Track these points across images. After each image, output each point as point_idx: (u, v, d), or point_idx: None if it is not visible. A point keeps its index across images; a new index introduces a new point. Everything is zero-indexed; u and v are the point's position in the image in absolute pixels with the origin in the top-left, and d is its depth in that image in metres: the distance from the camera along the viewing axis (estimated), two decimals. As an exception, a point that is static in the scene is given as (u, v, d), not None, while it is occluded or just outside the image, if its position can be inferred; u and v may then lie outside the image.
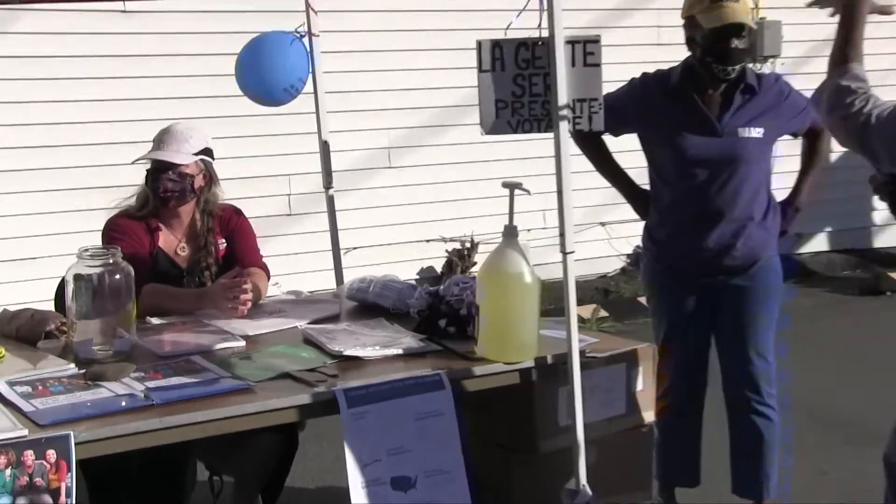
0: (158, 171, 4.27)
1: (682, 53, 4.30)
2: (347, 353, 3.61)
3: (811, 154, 4.45)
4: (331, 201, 4.93)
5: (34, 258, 6.46)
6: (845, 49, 3.18)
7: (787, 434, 4.53)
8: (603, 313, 7.77)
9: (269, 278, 4.44)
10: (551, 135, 3.55)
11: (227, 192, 4.52)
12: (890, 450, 3.17)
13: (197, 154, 4.30)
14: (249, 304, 4.12)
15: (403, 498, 3.36)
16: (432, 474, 3.41)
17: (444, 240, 7.75)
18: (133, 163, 4.29)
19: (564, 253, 3.58)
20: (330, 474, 4.74)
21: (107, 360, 3.51)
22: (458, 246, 7.78)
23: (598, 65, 3.56)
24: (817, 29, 8.55)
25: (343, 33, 6.64)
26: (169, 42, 6.92)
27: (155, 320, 4.04)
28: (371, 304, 4.24)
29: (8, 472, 2.83)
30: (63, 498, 2.90)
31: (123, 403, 3.16)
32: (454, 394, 3.45)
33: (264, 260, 4.50)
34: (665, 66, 4.32)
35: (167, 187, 4.27)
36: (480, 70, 3.53)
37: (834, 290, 7.91)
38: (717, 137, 4.17)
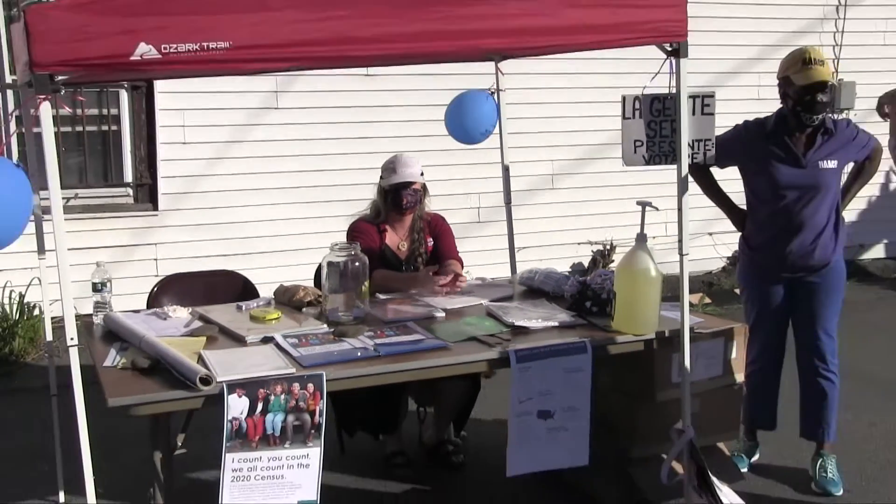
0: (401, 188, 4.26)
1: (775, 106, 4.17)
2: (518, 323, 3.63)
3: (860, 174, 4.27)
4: (509, 213, 4.93)
5: (301, 249, 6.64)
6: None
7: (845, 394, 4.36)
8: (707, 300, 7.58)
9: (463, 267, 4.44)
10: (675, 166, 3.49)
11: (435, 204, 4.55)
12: None
13: (421, 175, 4.33)
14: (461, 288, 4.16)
15: (542, 424, 3.41)
16: (567, 410, 3.44)
17: (590, 243, 7.68)
18: (388, 186, 4.28)
19: (681, 255, 3.53)
20: (501, 409, 4.75)
21: (348, 323, 3.59)
22: (601, 248, 7.70)
23: (712, 114, 3.51)
24: (885, 87, 8.23)
25: (522, 90, 6.64)
26: (394, 95, 7.04)
27: (382, 296, 4.09)
28: (536, 289, 4.24)
29: (283, 396, 2.96)
30: (317, 417, 3.00)
31: (359, 354, 3.25)
32: (593, 355, 3.45)
33: (460, 254, 4.51)
34: (762, 116, 4.20)
35: (409, 200, 4.27)
36: (624, 117, 3.49)
37: (887, 287, 7.56)
38: (802, 169, 4.03)
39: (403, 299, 4.05)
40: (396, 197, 4.28)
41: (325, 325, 3.58)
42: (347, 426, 4.19)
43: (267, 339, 3.40)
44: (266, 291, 4.24)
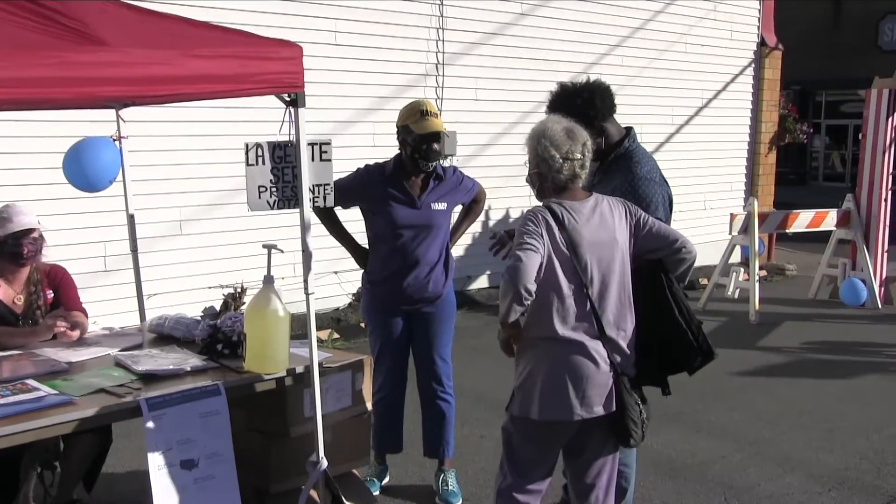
0: (20, 236, 3.94)
1: (390, 152, 4.38)
2: (148, 371, 3.48)
3: (468, 214, 4.63)
4: (136, 260, 4.73)
5: None
6: None
7: (459, 412, 4.67)
8: (336, 336, 7.75)
9: (87, 318, 4.18)
10: (298, 210, 3.54)
11: (56, 255, 4.26)
12: (505, 423, 3.31)
13: (38, 223, 4.03)
14: (73, 332, 3.89)
15: (189, 475, 3.26)
16: (210, 457, 3.33)
17: (221, 286, 7.54)
18: (4, 237, 3.93)
19: (307, 293, 3.57)
20: (136, 461, 4.53)
21: (-43, 385, 3.23)
22: (231, 291, 7.60)
23: (329, 160, 3.60)
24: (478, 137, 9.01)
25: (146, 137, 6.40)
26: (4, 142, 6.46)
27: (-3, 353, 3.74)
28: (167, 335, 4.10)
29: None
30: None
31: (-30, 417, 2.93)
32: (227, 397, 3.38)
33: (84, 305, 4.25)
34: (373, 162, 4.39)
35: (30, 249, 3.97)
36: (247, 164, 3.48)
37: (491, 314, 8.18)
38: (417, 209, 4.27)
39: (22, 355, 3.72)
40: (16, 246, 3.95)
41: (-70, 391, 3.17)
42: (-41, 497, 3.75)
43: None
44: None
